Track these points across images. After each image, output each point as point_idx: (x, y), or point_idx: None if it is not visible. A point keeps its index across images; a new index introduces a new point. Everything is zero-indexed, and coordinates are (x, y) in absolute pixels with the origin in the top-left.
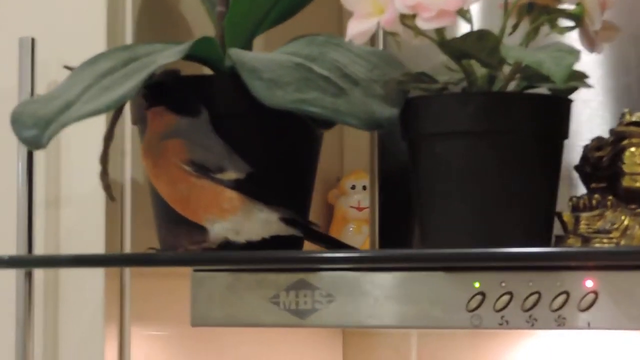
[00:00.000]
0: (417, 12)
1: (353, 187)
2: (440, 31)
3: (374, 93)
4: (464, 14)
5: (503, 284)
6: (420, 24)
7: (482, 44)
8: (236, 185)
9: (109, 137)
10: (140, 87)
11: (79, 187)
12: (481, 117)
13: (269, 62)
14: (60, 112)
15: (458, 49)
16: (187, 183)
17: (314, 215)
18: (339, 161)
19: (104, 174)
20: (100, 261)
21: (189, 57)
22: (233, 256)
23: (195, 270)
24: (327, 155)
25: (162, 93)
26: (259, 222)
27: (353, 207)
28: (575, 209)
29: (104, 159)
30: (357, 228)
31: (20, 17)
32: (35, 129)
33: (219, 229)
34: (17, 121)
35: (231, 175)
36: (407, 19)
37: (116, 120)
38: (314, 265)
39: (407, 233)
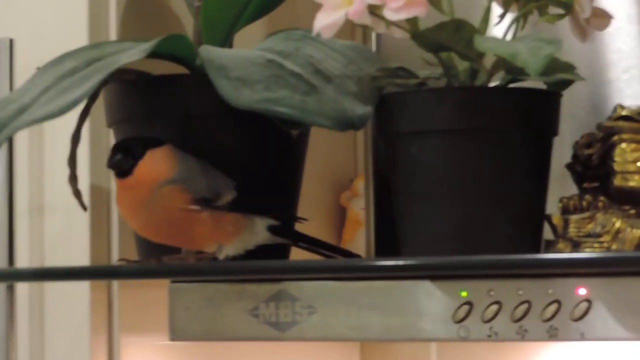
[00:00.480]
0: (384, 2)
1: None
2: (412, 22)
3: (347, 90)
4: (436, 3)
5: (491, 293)
6: (389, 14)
7: (459, 35)
8: (233, 206)
9: (76, 138)
10: (97, 89)
11: (63, 194)
12: (461, 114)
13: (239, 59)
14: (14, 117)
15: (433, 41)
16: (189, 221)
17: (326, 218)
18: (352, 162)
19: (73, 179)
20: (66, 274)
21: (162, 56)
22: (210, 267)
23: (173, 282)
24: (340, 156)
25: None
26: (254, 234)
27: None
28: (565, 210)
29: (72, 162)
30: None
31: None
32: None
33: (225, 251)
34: None
35: (227, 197)
36: (376, 9)
37: (82, 121)
38: (291, 275)
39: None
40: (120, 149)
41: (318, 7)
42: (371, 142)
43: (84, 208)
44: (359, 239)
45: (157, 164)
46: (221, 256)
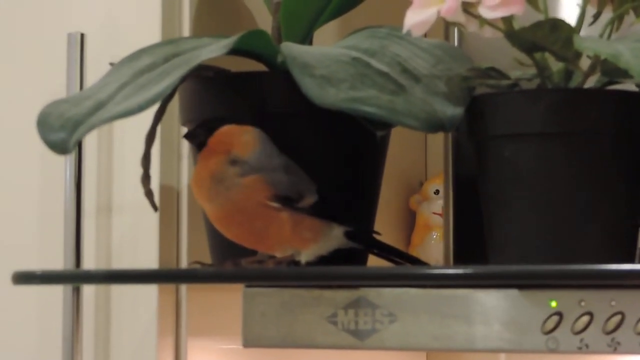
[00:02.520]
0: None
1: (437, 192)
2: (507, 20)
3: (436, 90)
4: (533, 1)
5: (582, 304)
6: (484, 12)
7: (556, 35)
8: (313, 210)
9: (150, 137)
10: (177, 86)
11: (132, 195)
12: (555, 117)
13: (323, 57)
14: (90, 113)
15: (528, 41)
16: (266, 219)
17: (395, 222)
18: (422, 164)
19: (145, 178)
20: (136, 277)
21: (242, 52)
22: (288, 272)
23: (247, 286)
24: (410, 158)
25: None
26: (330, 241)
27: (436, 213)
28: None
29: (146, 162)
30: (441, 236)
31: (70, 12)
32: (63, 132)
33: (302, 257)
34: (44, 123)
35: (309, 200)
36: (470, 7)
37: (159, 119)
38: (371, 282)
39: (483, 243)
40: (201, 124)
41: (406, 4)
42: (452, 144)
43: (155, 209)
44: (428, 244)
45: (234, 136)
46: (298, 258)
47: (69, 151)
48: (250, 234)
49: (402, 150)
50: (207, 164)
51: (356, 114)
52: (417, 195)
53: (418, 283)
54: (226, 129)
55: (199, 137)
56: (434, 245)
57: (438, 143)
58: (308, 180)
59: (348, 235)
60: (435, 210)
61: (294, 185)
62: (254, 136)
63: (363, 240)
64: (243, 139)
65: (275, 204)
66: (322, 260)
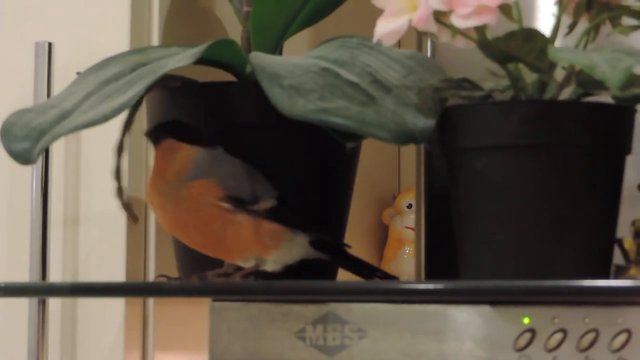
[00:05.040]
0: (452, 8)
1: (410, 206)
2: (480, 30)
3: (407, 101)
4: (507, 10)
5: (556, 320)
6: (457, 21)
7: (530, 45)
8: (272, 215)
9: (120, 149)
10: (142, 96)
11: (99, 206)
12: (529, 129)
13: (292, 67)
14: (55, 123)
15: (502, 51)
16: (221, 221)
17: (367, 235)
18: (395, 177)
19: (120, 191)
20: (102, 290)
21: (210, 62)
22: (255, 286)
23: (214, 300)
24: (383, 171)
25: (170, 126)
26: (294, 249)
27: (409, 227)
28: (638, 234)
29: (117, 174)
30: (414, 250)
31: (37, 21)
32: (27, 142)
33: (266, 267)
34: (7, 132)
35: (266, 203)
36: (442, 17)
37: (126, 130)
38: (341, 297)
39: (455, 258)
40: (160, 125)
41: (377, 14)
42: (424, 157)
43: (135, 220)
44: (401, 258)
45: (175, 151)
46: (262, 267)
47: (33, 161)
48: (207, 238)
49: (374, 163)
50: (156, 172)
51: (325, 125)
52: (390, 209)
53: (388, 298)
54: (167, 144)
55: (157, 138)
56: (406, 260)
57: (411, 156)
58: (267, 185)
59: (314, 244)
60: (408, 225)
61: (246, 187)
62: (193, 152)
63: (330, 250)
64: (183, 154)
65: (226, 205)
66: (290, 271)
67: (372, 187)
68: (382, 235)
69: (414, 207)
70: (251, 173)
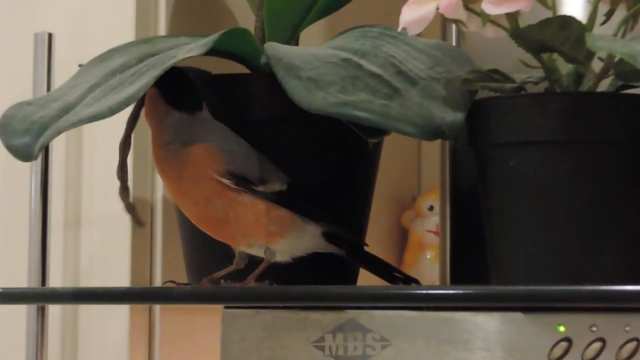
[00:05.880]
0: None
1: (431, 208)
2: (513, 18)
3: (434, 94)
4: None
5: (593, 329)
6: (487, 8)
7: (566, 34)
8: (280, 199)
9: (125, 145)
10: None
11: (102, 207)
12: (565, 124)
13: (310, 57)
14: (57, 117)
15: (536, 40)
16: (223, 199)
17: (385, 239)
18: (416, 177)
19: (124, 191)
20: (106, 297)
21: (222, 53)
22: (271, 292)
23: (227, 307)
24: (402, 171)
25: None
26: (305, 239)
27: (431, 231)
28: None
29: (122, 172)
30: (435, 255)
31: (37, 10)
32: (27, 137)
33: (265, 254)
34: (6, 126)
35: (274, 186)
36: (472, 3)
37: (133, 125)
38: (362, 303)
39: (484, 262)
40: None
41: (397, 3)
42: (449, 154)
43: (140, 224)
44: (421, 264)
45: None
46: (273, 260)
47: (34, 157)
48: (207, 217)
49: (393, 162)
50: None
51: (347, 119)
52: (410, 211)
53: (414, 305)
54: (150, 94)
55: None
56: (427, 266)
57: (433, 154)
58: (278, 171)
59: (327, 237)
60: (430, 228)
61: (254, 167)
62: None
63: (345, 244)
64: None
65: (227, 181)
66: (302, 266)
67: (390, 188)
68: (400, 239)
69: (435, 209)
70: (258, 155)
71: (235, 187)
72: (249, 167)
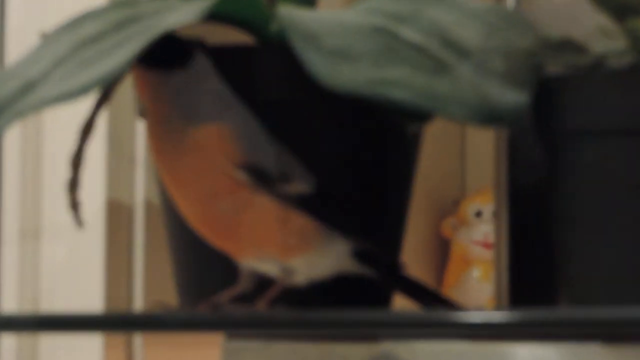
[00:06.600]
0: None
1: (478, 214)
2: None
3: (491, 69)
4: None
5: None
6: None
7: None
8: (304, 204)
9: (87, 129)
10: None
11: (68, 215)
12: None
13: (334, 24)
14: (17, 97)
15: (619, 3)
16: (234, 198)
17: (421, 253)
18: (458, 178)
19: (73, 183)
20: (73, 324)
21: (223, 19)
22: (285, 317)
23: (229, 338)
24: (441, 169)
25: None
26: (331, 257)
27: (478, 242)
28: None
29: (76, 161)
30: (484, 273)
31: None
32: None
33: (279, 273)
34: None
35: (298, 187)
36: None
37: (100, 107)
38: (399, 331)
39: (551, 280)
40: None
41: None
42: (507, 145)
43: (79, 224)
44: (467, 284)
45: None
46: (289, 280)
47: None
48: (210, 219)
49: (431, 159)
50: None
51: (381, 101)
52: (452, 218)
53: (463, 333)
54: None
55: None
56: (474, 286)
57: (480, 149)
58: (301, 167)
59: (358, 256)
60: (477, 239)
61: (275, 157)
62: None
63: (380, 265)
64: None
65: (242, 176)
66: (324, 291)
67: (428, 191)
68: (440, 252)
69: (484, 216)
70: (282, 148)
71: (251, 183)
72: (270, 160)
